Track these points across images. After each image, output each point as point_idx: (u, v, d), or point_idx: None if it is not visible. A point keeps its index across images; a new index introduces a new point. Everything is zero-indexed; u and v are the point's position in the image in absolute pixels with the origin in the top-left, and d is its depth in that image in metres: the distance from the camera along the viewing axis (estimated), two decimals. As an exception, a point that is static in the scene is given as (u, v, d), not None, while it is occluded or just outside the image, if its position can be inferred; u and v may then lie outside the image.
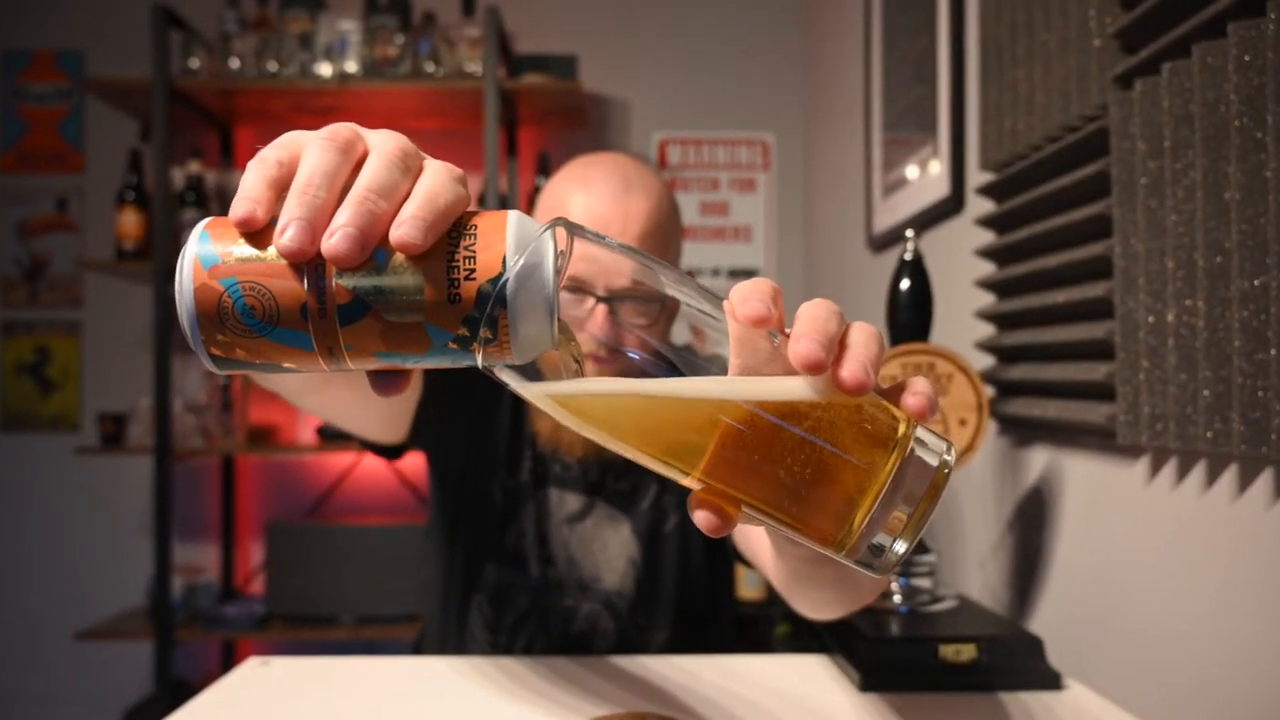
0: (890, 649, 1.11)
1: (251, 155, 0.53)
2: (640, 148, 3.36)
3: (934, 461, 0.53)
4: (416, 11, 3.16)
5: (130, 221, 3.01)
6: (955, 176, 1.72)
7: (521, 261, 0.51)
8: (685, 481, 0.55)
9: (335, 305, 0.50)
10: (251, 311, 0.50)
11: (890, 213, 2.18)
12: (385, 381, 0.57)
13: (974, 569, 1.58)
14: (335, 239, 0.49)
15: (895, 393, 0.56)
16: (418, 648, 1.51)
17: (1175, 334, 0.93)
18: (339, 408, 1.17)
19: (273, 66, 2.97)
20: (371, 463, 3.29)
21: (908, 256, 1.29)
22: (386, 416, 1.26)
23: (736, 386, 0.53)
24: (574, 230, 0.53)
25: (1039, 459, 1.36)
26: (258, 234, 0.51)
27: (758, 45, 3.41)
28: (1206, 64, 0.88)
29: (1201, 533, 0.98)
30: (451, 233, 0.51)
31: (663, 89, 3.42)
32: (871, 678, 1.09)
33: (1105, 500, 1.17)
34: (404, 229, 0.49)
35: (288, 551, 2.97)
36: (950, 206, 1.74)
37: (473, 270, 0.50)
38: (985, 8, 1.42)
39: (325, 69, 2.96)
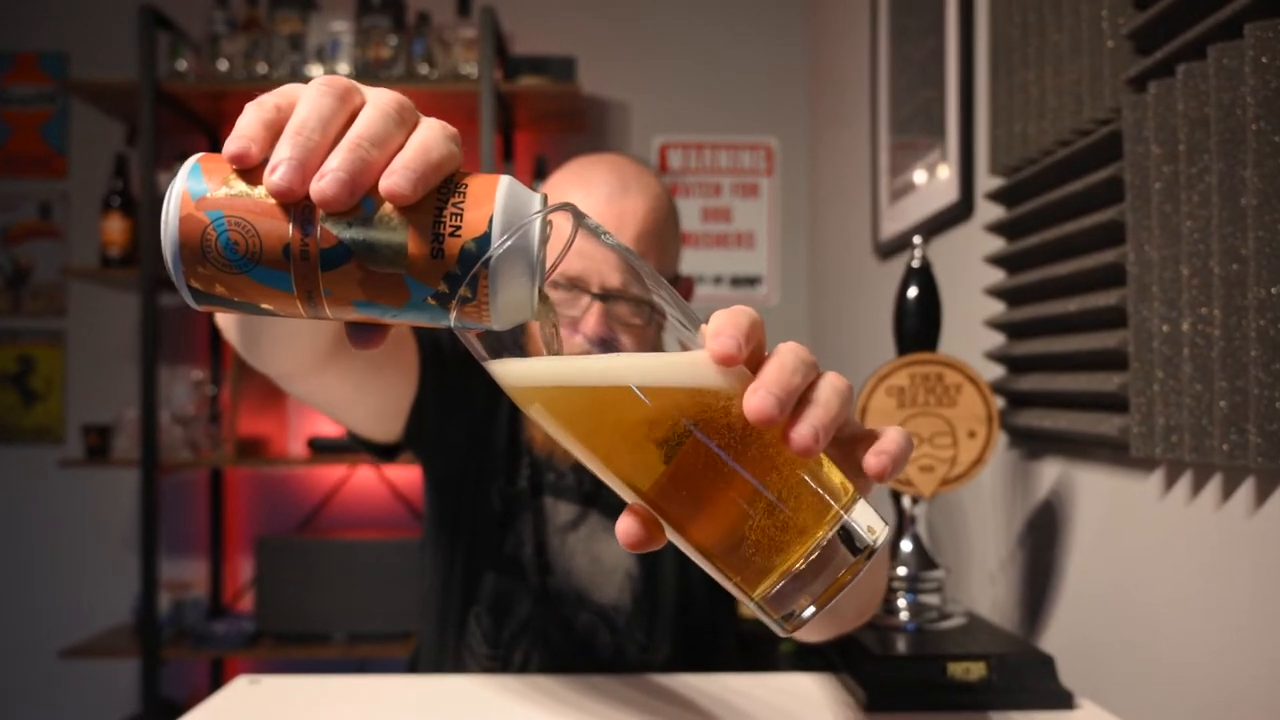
0: (897, 667, 1.11)
1: None
2: (640, 152, 3.36)
3: (858, 545, 0.54)
4: (410, 12, 3.16)
5: (115, 228, 3.01)
6: (964, 181, 1.72)
7: (508, 225, 0.52)
8: (616, 487, 0.56)
9: (319, 249, 0.52)
10: (235, 247, 0.52)
11: (897, 219, 2.18)
12: (362, 334, 0.58)
13: (984, 585, 1.58)
14: (325, 182, 0.50)
15: (864, 441, 0.57)
16: (413, 666, 1.51)
17: (1190, 343, 0.93)
18: (331, 397, 1.18)
19: (263, 68, 2.97)
20: (364, 476, 3.29)
21: (915, 264, 1.29)
22: (380, 409, 1.26)
23: (678, 372, 0.53)
24: (578, 217, 0.54)
25: (1050, 472, 1.36)
26: (249, 172, 0.53)
27: (761, 46, 3.42)
28: (1222, 65, 0.88)
29: (1218, 548, 0.97)
30: (442, 189, 0.53)
31: (663, 92, 3.42)
32: (878, 697, 1.09)
33: (1118, 514, 1.17)
34: (394, 178, 0.51)
35: (278, 567, 2.96)
36: (959, 212, 1.74)
37: (458, 227, 0.52)
38: (995, 8, 1.43)
39: (316, 71, 2.97)
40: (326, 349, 1.02)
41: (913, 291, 1.29)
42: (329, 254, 0.52)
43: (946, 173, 1.80)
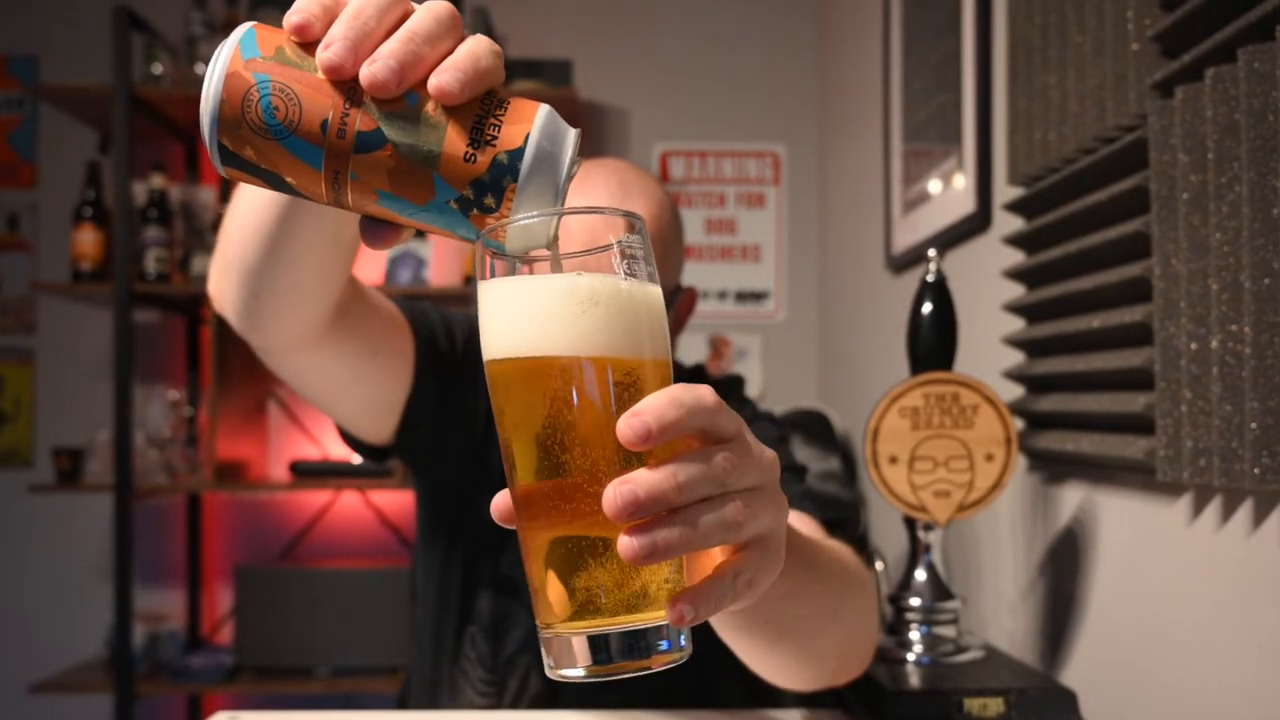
0: (911, 703, 1.11)
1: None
2: (640, 160, 3.37)
3: (642, 651, 0.58)
4: (399, 13, 3.18)
5: (87, 240, 3.01)
6: (981, 191, 1.72)
7: (543, 146, 0.57)
8: (506, 461, 0.59)
9: (355, 130, 0.56)
10: (274, 111, 0.56)
11: (911, 230, 2.18)
12: (376, 232, 0.62)
13: (1002, 616, 1.57)
14: (375, 66, 0.56)
15: (721, 572, 0.59)
16: (402, 701, 1.50)
17: (1220, 362, 0.93)
18: (323, 378, 1.18)
19: (244, 72, 2.98)
20: (349, 501, 3.29)
21: (930, 278, 1.30)
22: (373, 401, 1.26)
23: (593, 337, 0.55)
24: (633, 229, 0.58)
25: (1072, 497, 1.35)
26: (303, 46, 0.58)
27: (768, 48, 3.43)
28: (1253, 69, 0.88)
29: (1248, 577, 0.97)
30: (484, 100, 0.58)
31: (665, 96, 3.43)
32: (892, 736, 1.08)
33: (1144, 542, 1.17)
34: (445, 76, 0.56)
35: (258, 597, 2.95)
36: (976, 224, 1.74)
37: (495, 137, 0.56)
38: (1014, 8, 1.43)
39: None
40: (328, 317, 1.04)
41: (927, 307, 1.29)
42: (365, 137, 0.56)
43: (963, 182, 1.81)
